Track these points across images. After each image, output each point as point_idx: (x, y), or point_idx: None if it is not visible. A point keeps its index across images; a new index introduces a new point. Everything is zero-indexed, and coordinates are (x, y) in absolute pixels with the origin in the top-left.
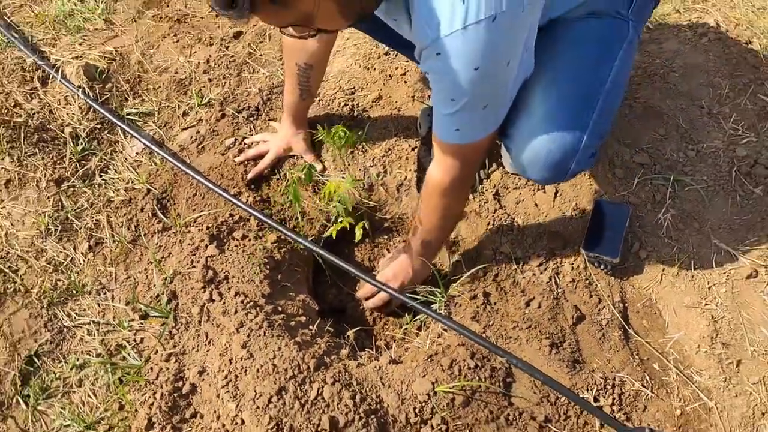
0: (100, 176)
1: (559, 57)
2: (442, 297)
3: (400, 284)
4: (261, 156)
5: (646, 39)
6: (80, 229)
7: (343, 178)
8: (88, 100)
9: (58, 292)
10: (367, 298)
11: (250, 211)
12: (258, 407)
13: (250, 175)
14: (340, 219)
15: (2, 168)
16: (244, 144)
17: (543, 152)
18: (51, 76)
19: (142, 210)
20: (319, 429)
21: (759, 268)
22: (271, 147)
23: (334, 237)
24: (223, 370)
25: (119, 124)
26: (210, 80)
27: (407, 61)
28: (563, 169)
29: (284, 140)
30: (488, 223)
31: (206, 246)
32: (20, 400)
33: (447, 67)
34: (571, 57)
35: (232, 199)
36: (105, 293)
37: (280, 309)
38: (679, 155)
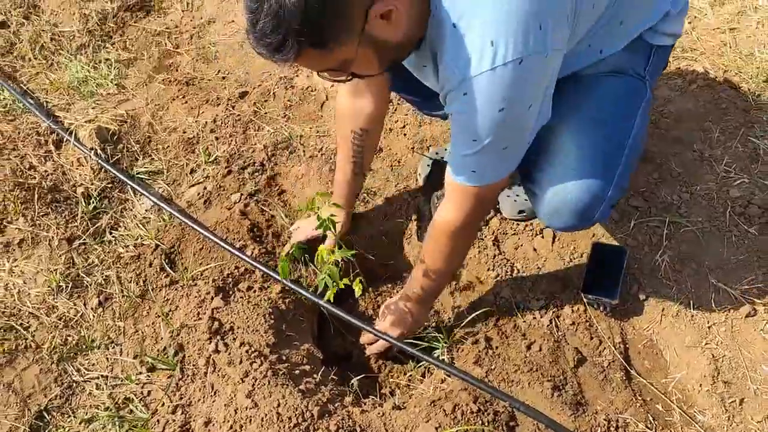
0: (110, 233)
1: (585, 110)
2: (445, 342)
3: (400, 333)
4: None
5: None
6: (90, 285)
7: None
8: (99, 161)
9: (68, 347)
10: (370, 344)
11: (255, 264)
12: None
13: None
14: (334, 283)
15: (16, 228)
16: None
17: (573, 199)
18: (65, 139)
19: (150, 265)
20: None
21: (757, 307)
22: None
23: (332, 300)
24: (228, 421)
25: (129, 183)
26: (217, 138)
27: (406, 115)
28: (589, 217)
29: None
30: (488, 269)
31: (212, 298)
32: None
33: (473, 107)
34: (596, 111)
35: (237, 253)
36: (114, 347)
37: (284, 358)
38: (674, 198)
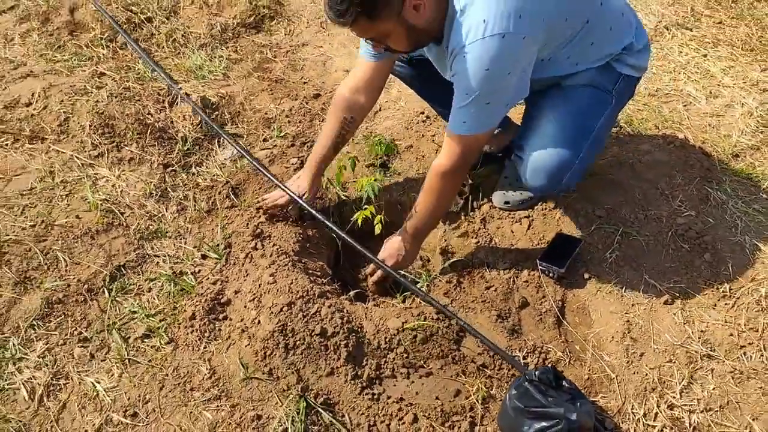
0: (195, 168)
1: (563, 104)
2: (426, 278)
3: (395, 262)
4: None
5: (625, 139)
6: (173, 197)
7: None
8: (199, 111)
9: (148, 232)
10: (371, 275)
11: (297, 198)
12: (272, 313)
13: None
14: (365, 206)
15: (129, 150)
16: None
17: (549, 161)
18: (177, 101)
19: (219, 193)
20: (312, 333)
21: (675, 299)
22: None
23: (359, 223)
24: (252, 290)
25: (220, 132)
26: (289, 122)
27: (438, 128)
28: (559, 179)
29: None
30: (473, 240)
31: (259, 218)
32: (105, 291)
33: (467, 67)
34: (572, 106)
35: (286, 189)
36: (180, 239)
37: (303, 261)
38: (631, 216)
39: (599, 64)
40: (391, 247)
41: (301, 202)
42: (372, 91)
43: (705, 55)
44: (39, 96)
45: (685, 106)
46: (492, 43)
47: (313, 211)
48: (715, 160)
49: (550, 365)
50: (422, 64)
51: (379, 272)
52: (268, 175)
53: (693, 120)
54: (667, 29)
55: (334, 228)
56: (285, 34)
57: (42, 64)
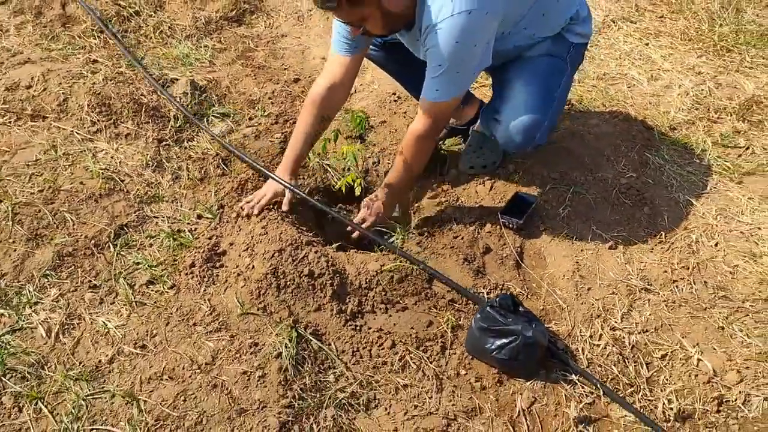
0: (187, 142)
1: (529, 72)
2: (402, 232)
3: (374, 219)
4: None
5: (577, 114)
6: (168, 168)
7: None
8: (178, 105)
9: (147, 196)
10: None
11: (281, 182)
12: (264, 258)
13: (248, 210)
14: (348, 172)
15: (125, 126)
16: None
17: (523, 120)
18: (167, 84)
19: (210, 164)
20: (301, 275)
21: (618, 245)
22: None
23: (343, 190)
24: (245, 242)
25: (198, 123)
26: (272, 103)
27: (408, 106)
28: (532, 136)
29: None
30: (443, 199)
31: (247, 182)
32: (111, 246)
33: (438, 41)
34: (536, 73)
35: (280, 180)
36: (176, 203)
37: (291, 217)
38: (581, 178)
39: (552, 34)
40: (371, 203)
41: (294, 189)
42: (346, 85)
43: (647, 44)
44: (38, 79)
45: (629, 87)
46: (460, 19)
47: (305, 196)
48: (655, 132)
49: (508, 292)
50: (395, 47)
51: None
52: (261, 168)
53: (636, 99)
54: (614, 22)
55: (324, 207)
56: (265, 27)
57: (38, 52)
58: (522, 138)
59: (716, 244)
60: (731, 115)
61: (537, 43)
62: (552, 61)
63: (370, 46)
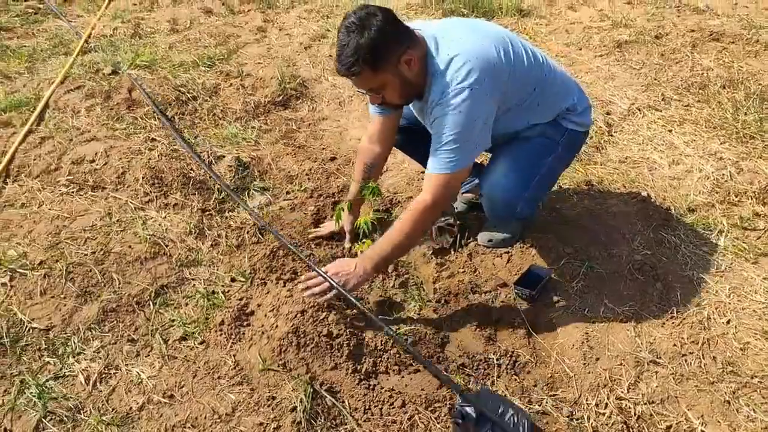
0: (228, 213)
1: (516, 148)
2: (419, 300)
3: (340, 280)
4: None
5: (596, 194)
6: (208, 235)
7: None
8: (223, 186)
9: (187, 260)
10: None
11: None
12: (288, 318)
13: (312, 235)
14: (362, 241)
15: (174, 197)
16: (319, 210)
17: (499, 193)
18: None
19: (247, 232)
20: (320, 335)
21: (630, 319)
22: (328, 229)
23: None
24: (272, 303)
25: (235, 197)
26: (309, 179)
27: None
28: (512, 208)
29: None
30: (460, 269)
31: (280, 250)
32: (151, 304)
33: (444, 111)
34: (522, 149)
35: (287, 242)
36: (213, 267)
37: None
38: (596, 253)
39: (548, 120)
40: (343, 264)
41: (338, 289)
42: (385, 140)
43: (670, 131)
44: (101, 155)
45: (650, 170)
46: (463, 95)
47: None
48: (673, 212)
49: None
50: (409, 131)
51: (324, 285)
52: (283, 239)
53: (656, 181)
54: (639, 110)
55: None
56: (308, 111)
57: (104, 131)
58: (501, 211)
59: (728, 321)
60: (751, 199)
61: (533, 126)
62: (542, 140)
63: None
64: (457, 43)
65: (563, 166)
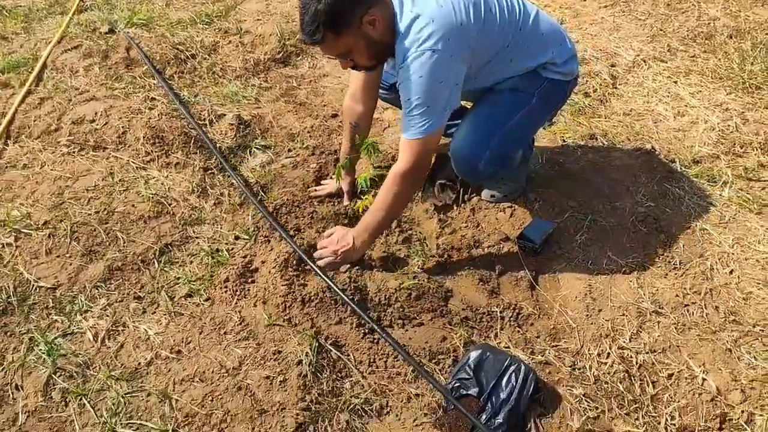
0: (230, 172)
1: (485, 103)
2: (422, 255)
3: (338, 255)
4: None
5: (600, 148)
6: (211, 194)
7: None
8: (215, 151)
9: (191, 219)
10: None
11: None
12: (292, 275)
13: (313, 194)
14: (363, 197)
15: (175, 156)
16: (321, 168)
17: (460, 152)
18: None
19: (250, 191)
20: (324, 290)
21: (633, 270)
22: (329, 188)
23: (361, 210)
24: (276, 260)
25: (224, 164)
26: (310, 136)
27: None
28: (474, 168)
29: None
30: (464, 224)
31: (283, 207)
32: (155, 262)
33: (407, 75)
34: (488, 105)
35: (290, 243)
36: (217, 225)
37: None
38: (599, 207)
39: (520, 74)
40: (340, 237)
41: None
42: (366, 97)
43: (676, 82)
44: (101, 114)
45: (655, 123)
46: (424, 57)
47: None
48: (677, 164)
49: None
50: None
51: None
52: (265, 213)
53: (661, 134)
54: (644, 62)
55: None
56: (309, 68)
57: (103, 91)
58: (464, 169)
59: (731, 272)
60: (757, 150)
61: (505, 79)
62: (510, 96)
63: (380, 90)
64: (421, 1)
65: (541, 117)
